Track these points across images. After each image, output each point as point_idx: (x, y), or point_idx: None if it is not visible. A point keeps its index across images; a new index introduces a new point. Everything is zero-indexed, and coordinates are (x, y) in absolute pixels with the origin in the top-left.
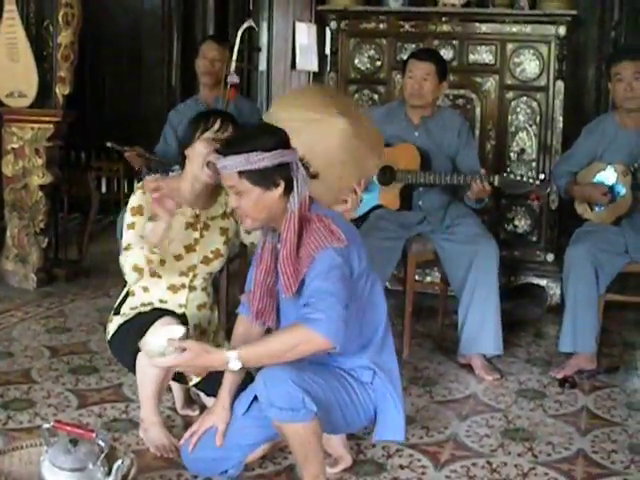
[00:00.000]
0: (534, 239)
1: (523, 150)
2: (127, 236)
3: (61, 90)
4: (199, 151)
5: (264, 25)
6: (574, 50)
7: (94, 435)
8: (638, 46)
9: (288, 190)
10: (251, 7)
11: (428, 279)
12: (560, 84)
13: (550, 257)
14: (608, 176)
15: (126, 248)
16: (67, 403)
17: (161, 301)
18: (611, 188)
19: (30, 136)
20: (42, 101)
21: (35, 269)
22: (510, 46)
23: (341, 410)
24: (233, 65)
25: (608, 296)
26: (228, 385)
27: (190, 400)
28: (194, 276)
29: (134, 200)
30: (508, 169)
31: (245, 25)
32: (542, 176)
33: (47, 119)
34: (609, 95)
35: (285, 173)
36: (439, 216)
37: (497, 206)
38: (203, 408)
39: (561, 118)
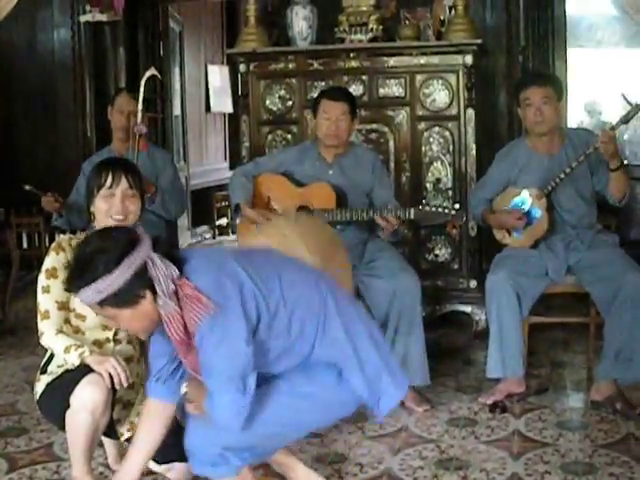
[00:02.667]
0: (456, 267)
1: (439, 180)
2: (43, 301)
3: None
4: (99, 208)
5: (176, 70)
6: (484, 77)
7: None
8: (545, 71)
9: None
10: (162, 53)
11: None
12: (471, 112)
13: (473, 284)
14: (523, 201)
15: (44, 316)
16: None
17: None
18: (527, 213)
19: None
20: None
21: None
22: (419, 77)
23: (310, 412)
24: (139, 115)
25: (532, 319)
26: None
27: (123, 455)
28: (117, 330)
29: (48, 262)
30: (424, 200)
31: (148, 74)
32: (457, 206)
33: None
34: (521, 120)
35: (144, 279)
36: (358, 252)
37: (416, 236)
38: None
39: (474, 145)
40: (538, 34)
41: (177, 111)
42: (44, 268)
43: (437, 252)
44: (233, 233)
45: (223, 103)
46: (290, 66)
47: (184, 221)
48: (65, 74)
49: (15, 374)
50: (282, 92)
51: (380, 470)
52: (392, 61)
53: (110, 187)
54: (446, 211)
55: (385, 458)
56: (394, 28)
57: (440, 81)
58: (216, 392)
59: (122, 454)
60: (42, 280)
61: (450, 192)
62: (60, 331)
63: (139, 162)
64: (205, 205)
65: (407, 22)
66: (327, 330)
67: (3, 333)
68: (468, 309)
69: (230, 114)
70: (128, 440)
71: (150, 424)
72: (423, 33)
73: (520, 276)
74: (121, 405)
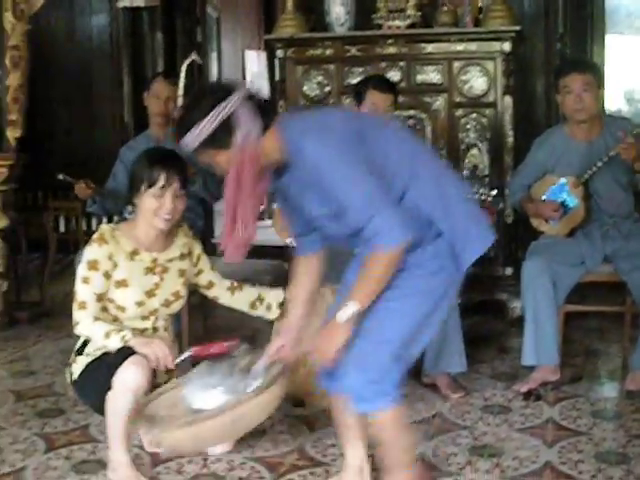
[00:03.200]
0: (492, 254)
1: (475, 167)
2: (82, 292)
3: (12, 133)
4: (148, 207)
5: (214, 56)
6: (521, 64)
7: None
8: (585, 58)
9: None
10: (199, 39)
11: None
12: (508, 99)
13: (509, 271)
14: (560, 189)
15: (81, 306)
16: (34, 447)
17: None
18: (563, 202)
19: None
20: None
21: None
22: (457, 64)
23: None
24: (180, 100)
25: (567, 307)
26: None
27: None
28: (156, 319)
29: (90, 253)
30: None
31: (189, 59)
32: (494, 192)
33: (0, 163)
34: (558, 107)
35: (232, 125)
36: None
37: None
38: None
39: (511, 132)
40: (576, 21)
41: None
42: (85, 259)
43: None
44: (270, 218)
45: (260, 89)
46: (327, 52)
47: (221, 206)
48: (103, 59)
49: (52, 356)
50: (320, 78)
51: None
52: (430, 47)
53: (162, 187)
54: (483, 197)
55: (419, 443)
56: (432, 14)
57: (478, 68)
58: (376, 215)
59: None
60: (82, 270)
61: (487, 179)
62: (97, 318)
63: (178, 149)
64: None
65: (445, 8)
66: (419, 176)
67: (40, 316)
68: (504, 297)
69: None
70: None
71: (303, 279)
72: (461, 19)
73: (556, 264)
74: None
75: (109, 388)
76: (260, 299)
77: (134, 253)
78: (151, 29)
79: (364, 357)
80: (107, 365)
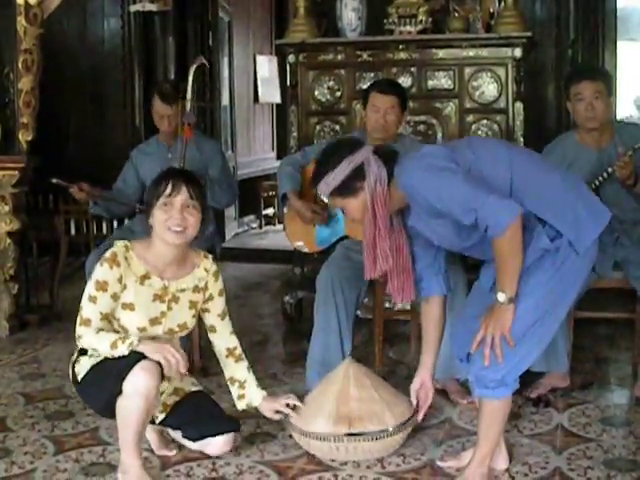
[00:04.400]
0: None
1: None
2: (87, 310)
3: (24, 136)
4: (158, 219)
5: (225, 60)
6: (533, 70)
7: None
8: (596, 65)
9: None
10: (210, 43)
11: (399, 306)
12: (519, 105)
13: None
14: None
15: (84, 323)
16: (44, 450)
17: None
18: None
19: None
20: (5, 148)
21: (7, 316)
22: (468, 70)
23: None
24: (188, 105)
25: (578, 313)
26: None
27: (165, 440)
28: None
29: (100, 273)
30: None
31: (196, 63)
32: None
33: (11, 166)
34: (569, 113)
35: (361, 174)
36: None
37: None
38: (180, 447)
39: (522, 139)
40: (588, 27)
41: (225, 101)
42: (95, 277)
43: None
44: (280, 223)
45: (271, 93)
46: (339, 57)
47: (231, 211)
48: (115, 63)
49: (62, 359)
50: (331, 83)
51: (423, 461)
52: (441, 53)
53: (169, 195)
54: None
55: (428, 449)
56: (443, 20)
57: (489, 74)
58: (479, 208)
59: (163, 440)
60: (90, 289)
61: None
62: (100, 329)
63: (188, 153)
64: (252, 195)
65: (456, 14)
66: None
67: (51, 319)
68: None
69: (278, 105)
70: (162, 423)
71: (433, 322)
72: (472, 25)
73: None
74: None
75: (118, 393)
76: (241, 384)
77: (145, 277)
78: (163, 33)
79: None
80: (117, 371)
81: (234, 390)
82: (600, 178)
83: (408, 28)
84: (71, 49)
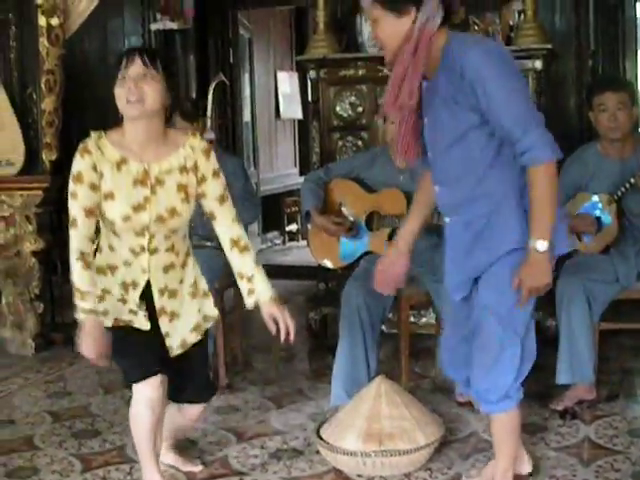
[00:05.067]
0: None
1: None
2: (71, 208)
3: (48, 156)
4: (118, 96)
5: (246, 77)
6: (553, 82)
7: None
8: (619, 76)
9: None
10: (231, 60)
11: (423, 320)
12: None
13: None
14: (593, 206)
15: (72, 224)
16: (71, 468)
17: (126, 263)
18: (597, 218)
19: (20, 203)
20: (30, 168)
21: (32, 335)
22: None
23: None
24: (209, 122)
25: (603, 325)
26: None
27: (189, 456)
28: (151, 237)
29: (74, 165)
30: None
31: (216, 80)
32: None
33: (36, 185)
34: (591, 124)
35: (420, 1)
36: (427, 258)
37: None
38: (205, 464)
39: None
40: (608, 37)
41: (247, 118)
42: (71, 173)
43: None
44: (303, 239)
45: (293, 109)
46: (360, 72)
47: (254, 227)
48: None
49: (88, 377)
50: (352, 98)
51: (450, 475)
52: None
53: (125, 69)
54: None
55: (455, 463)
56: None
57: None
58: (530, 131)
59: (186, 456)
60: (70, 186)
61: None
62: (89, 265)
63: None
64: (275, 211)
65: (476, 27)
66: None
67: (76, 337)
68: (538, 315)
69: (300, 120)
70: (178, 359)
71: (425, 193)
72: (492, 38)
73: (591, 282)
74: (167, 316)
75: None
76: (249, 278)
77: (122, 163)
78: (184, 51)
79: (489, 364)
80: (129, 364)
81: (243, 286)
82: (622, 189)
83: None
84: (93, 68)
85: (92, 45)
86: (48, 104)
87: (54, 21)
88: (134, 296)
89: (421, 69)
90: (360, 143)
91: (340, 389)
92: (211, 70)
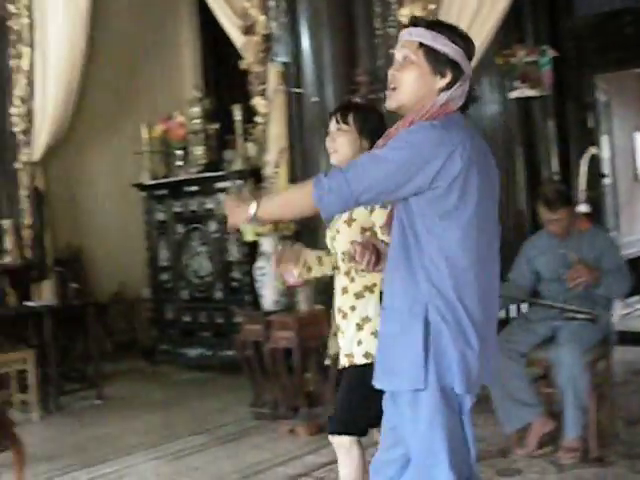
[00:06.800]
0: None
1: None
2: None
3: None
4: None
5: (604, 139)
6: None
7: None
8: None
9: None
10: (590, 124)
11: None
12: None
13: None
14: None
15: None
16: None
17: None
18: None
19: None
20: None
21: None
22: None
23: None
24: (582, 195)
25: None
26: None
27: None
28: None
29: None
30: None
31: (588, 153)
32: None
33: None
34: None
35: (455, 73)
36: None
37: None
38: None
39: None
40: None
41: (608, 180)
42: None
43: None
44: None
45: None
46: None
47: None
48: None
49: None
50: None
51: None
52: None
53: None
54: None
55: None
56: None
57: None
58: (330, 178)
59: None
60: None
61: None
62: None
63: (580, 243)
64: (637, 275)
65: None
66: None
67: None
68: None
69: None
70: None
71: None
72: None
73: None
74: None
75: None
76: (319, 259)
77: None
78: (543, 117)
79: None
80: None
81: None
82: None
83: None
84: None
85: None
86: None
87: None
88: None
89: None
90: None
91: None
92: (571, 134)
